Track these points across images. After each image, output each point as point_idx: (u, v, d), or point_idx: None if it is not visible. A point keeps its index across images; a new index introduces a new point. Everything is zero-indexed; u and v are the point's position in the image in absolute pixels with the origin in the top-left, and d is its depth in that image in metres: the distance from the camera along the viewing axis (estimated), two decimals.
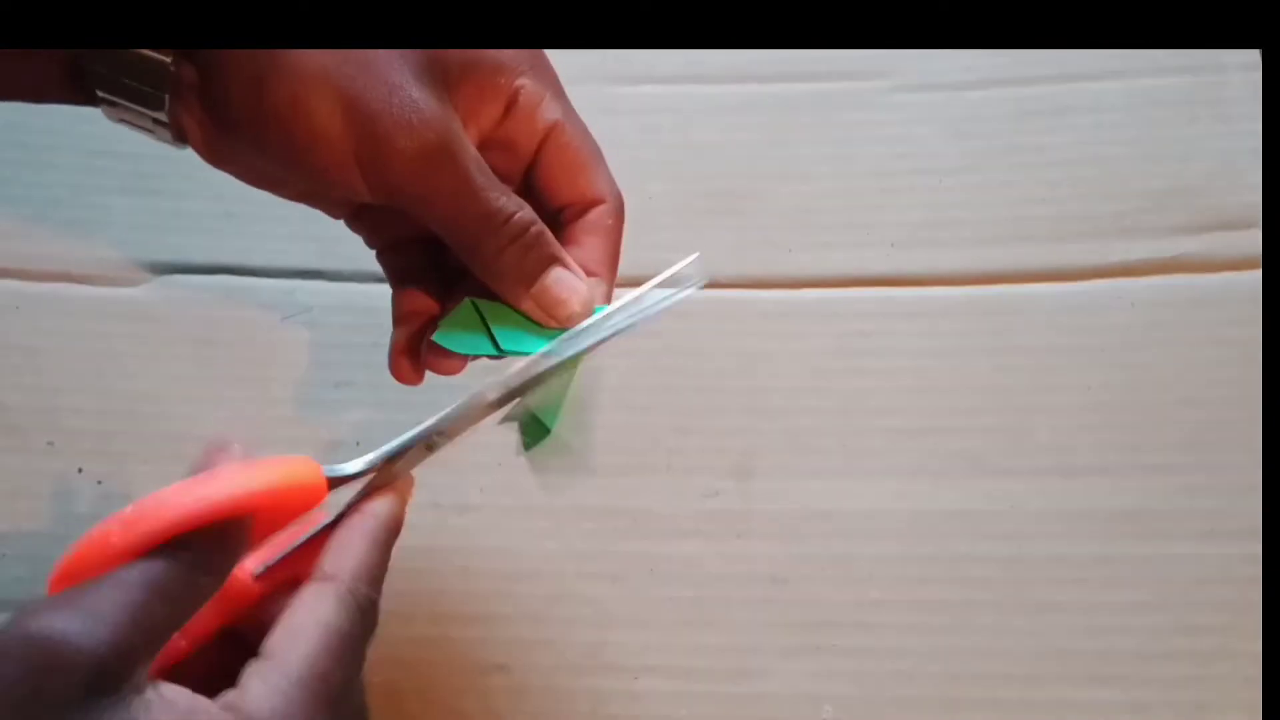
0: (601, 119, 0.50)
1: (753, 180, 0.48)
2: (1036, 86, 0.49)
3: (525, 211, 0.30)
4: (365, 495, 0.30)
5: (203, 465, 0.28)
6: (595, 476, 0.43)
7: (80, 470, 0.43)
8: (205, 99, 0.29)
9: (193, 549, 0.25)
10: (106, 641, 0.23)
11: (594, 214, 0.32)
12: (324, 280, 0.46)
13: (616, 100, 0.50)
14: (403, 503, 0.30)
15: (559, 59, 0.51)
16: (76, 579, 0.24)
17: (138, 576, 0.24)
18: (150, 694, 0.23)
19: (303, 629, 0.26)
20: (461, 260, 0.30)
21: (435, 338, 0.31)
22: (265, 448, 0.43)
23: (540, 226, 0.30)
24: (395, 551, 0.42)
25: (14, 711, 0.22)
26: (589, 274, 0.31)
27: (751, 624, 0.40)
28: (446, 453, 0.44)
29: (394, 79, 0.28)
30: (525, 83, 0.31)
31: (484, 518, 0.42)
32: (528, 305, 0.30)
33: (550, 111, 0.31)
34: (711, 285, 0.46)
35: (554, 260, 0.30)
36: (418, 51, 0.29)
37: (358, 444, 0.43)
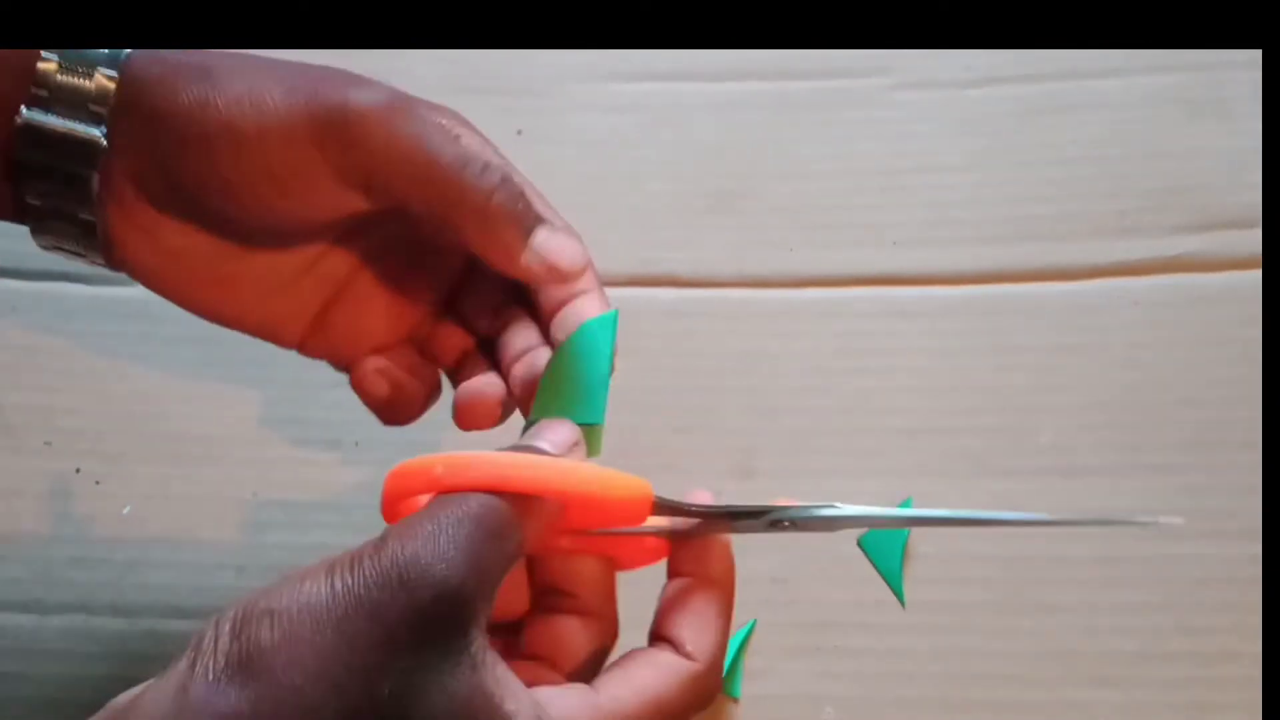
0: (602, 117, 0.50)
1: (753, 179, 0.48)
2: (1037, 85, 0.49)
3: (503, 160, 0.29)
4: (701, 549, 0.29)
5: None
6: None
7: (78, 470, 0.43)
8: (143, 176, 0.28)
9: (518, 514, 0.24)
10: (471, 581, 0.23)
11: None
12: None
13: (616, 98, 0.49)
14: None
15: (560, 58, 0.51)
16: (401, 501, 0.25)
17: (483, 522, 0.24)
18: (483, 641, 0.23)
19: (644, 692, 0.25)
20: (449, 228, 0.29)
21: None
22: (263, 448, 0.43)
23: (523, 178, 0.29)
24: None
25: (403, 640, 0.22)
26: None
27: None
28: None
29: (340, 76, 0.28)
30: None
31: None
32: (529, 260, 0.28)
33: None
34: (712, 285, 0.47)
35: (540, 218, 0.29)
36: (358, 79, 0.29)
37: (356, 444, 0.43)
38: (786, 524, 0.29)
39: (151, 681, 0.23)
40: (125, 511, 0.42)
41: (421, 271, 0.33)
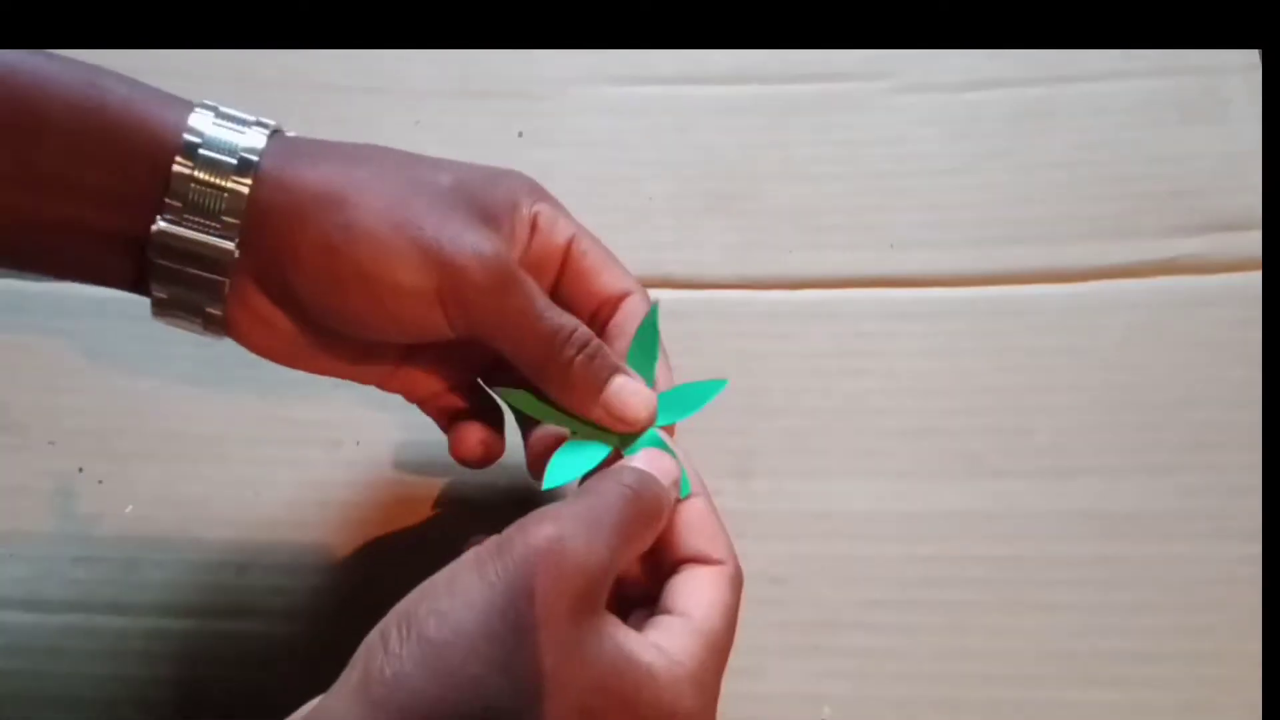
0: (602, 119, 0.51)
1: (753, 180, 0.48)
2: (1036, 87, 0.49)
3: (582, 328, 0.32)
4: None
5: None
6: None
7: (81, 470, 0.43)
8: (266, 282, 0.31)
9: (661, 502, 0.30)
10: (614, 562, 0.27)
11: (627, 305, 0.35)
12: None
13: (617, 100, 0.50)
14: None
15: (560, 60, 0.52)
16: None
17: (628, 510, 0.28)
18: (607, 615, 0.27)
19: (716, 606, 0.29)
20: (531, 379, 0.33)
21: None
22: (264, 448, 0.43)
23: (599, 341, 0.33)
24: (393, 550, 0.42)
25: (558, 617, 0.25)
26: None
27: (751, 624, 0.40)
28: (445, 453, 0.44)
29: (455, 225, 0.31)
30: (542, 208, 0.34)
31: (484, 517, 0.42)
32: (598, 413, 0.32)
33: (565, 227, 0.34)
34: (712, 286, 0.47)
35: (615, 369, 0.33)
36: (459, 198, 0.32)
37: (357, 443, 0.43)
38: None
39: (317, 700, 0.25)
40: (127, 511, 0.42)
41: None
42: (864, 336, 0.45)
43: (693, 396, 0.35)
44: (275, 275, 0.31)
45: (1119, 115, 0.48)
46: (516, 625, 0.25)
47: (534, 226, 0.34)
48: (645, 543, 0.29)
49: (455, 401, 0.36)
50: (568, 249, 0.34)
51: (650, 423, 0.33)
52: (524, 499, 0.42)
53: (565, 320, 0.32)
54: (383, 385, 0.36)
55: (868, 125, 0.49)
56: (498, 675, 0.24)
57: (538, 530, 0.26)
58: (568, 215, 0.35)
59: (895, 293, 0.46)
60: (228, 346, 0.45)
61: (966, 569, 0.41)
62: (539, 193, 0.34)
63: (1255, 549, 0.40)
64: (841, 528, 0.42)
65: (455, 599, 0.25)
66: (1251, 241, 0.45)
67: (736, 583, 0.30)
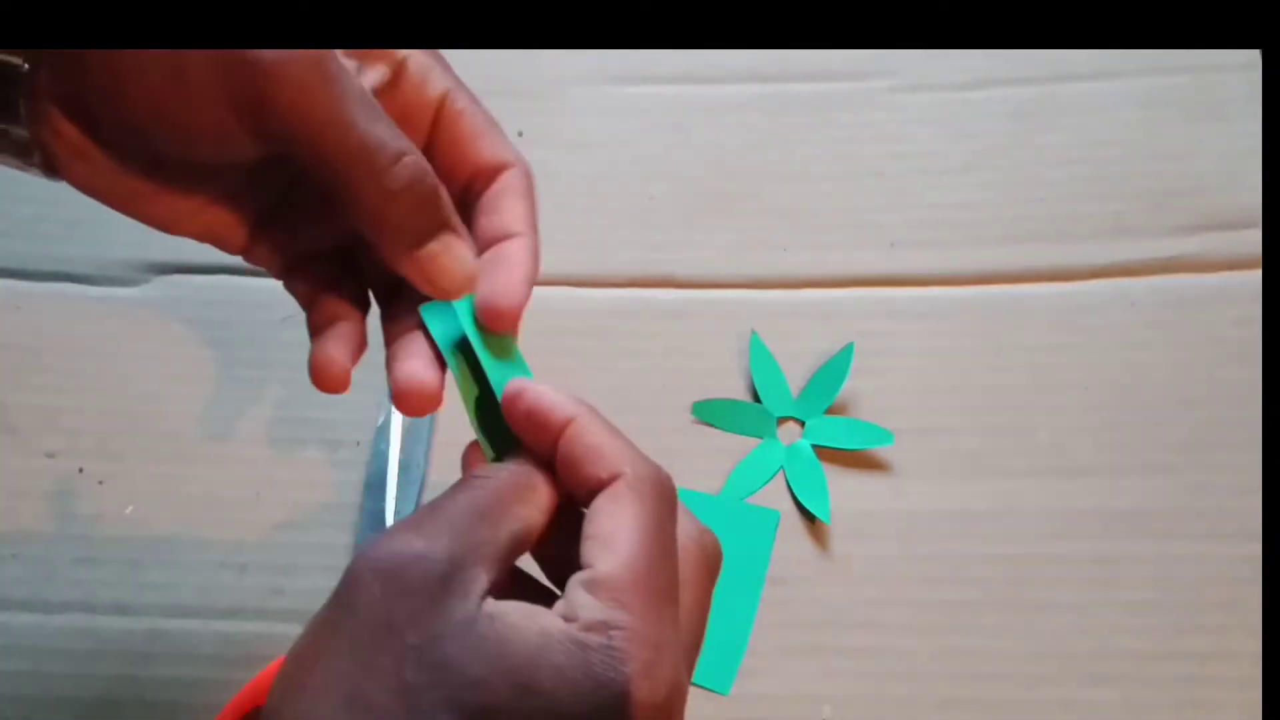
0: (602, 119, 0.51)
1: (753, 180, 0.48)
2: (1036, 86, 0.49)
3: (418, 158, 0.27)
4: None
5: None
6: None
7: (81, 470, 0.43)
8: (69, 103, 0.27)
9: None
10: (446, 551, 0.24)
11: (505, 177, 0.30)
12: None
13: (617, 100, 0.50)
14: None
15: (561, 59, 0.52)
16: None
17: (474, 503, 0.25)
18: (491, 599, 0.24)
19: (614, 535, 0.25)
20: (348, 214, 0.27)
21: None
22: (264, 448, 0.43)
23: (436, 182, 0.27)
24: None
25: (384, 615, 0.24)
26: (511, 235, 0.29)
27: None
28: (445, 452, 0.44)
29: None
30: (414, 53, 0.29)
31: None
32: (408, 269, 0.27)
33: (440, 80, 0.29)
34: (712, 285, 0.47)
35: (446, 225, 0.27)
36: None
37: (358, 443, 0.43)
38: None
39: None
40: (128, 511, 0.42)
41: None
42: (864, 335, 0.45)
43: None
44: (69, 90, 0.26)
45: (1118, 115, 0.48)
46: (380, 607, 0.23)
47: (400, 72, 0.28)
48: (517, 514, 0.25)
49: (321, 278, 0.30)
50: (441, 106, 0.29)
51: (464, 292, 0.28)
52: None
53: (394, 139, 0.26)
54: (247, 254, 0.30)
55: (868, 125, 0.49)
56: (378, 643, 0.23)
57: (378, 546, 0.24)
58: (448, 69, 0.29)
59: (895, 292, 0.46)
60: (228, 346, 0.45)
61: (966, 569, 0.41)
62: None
63: (1255, 549, 0.40)
64: (842, 527, 0.42)
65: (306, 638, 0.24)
66: (1251, 240, 0.45)
67: (644, 490, 0.25)
